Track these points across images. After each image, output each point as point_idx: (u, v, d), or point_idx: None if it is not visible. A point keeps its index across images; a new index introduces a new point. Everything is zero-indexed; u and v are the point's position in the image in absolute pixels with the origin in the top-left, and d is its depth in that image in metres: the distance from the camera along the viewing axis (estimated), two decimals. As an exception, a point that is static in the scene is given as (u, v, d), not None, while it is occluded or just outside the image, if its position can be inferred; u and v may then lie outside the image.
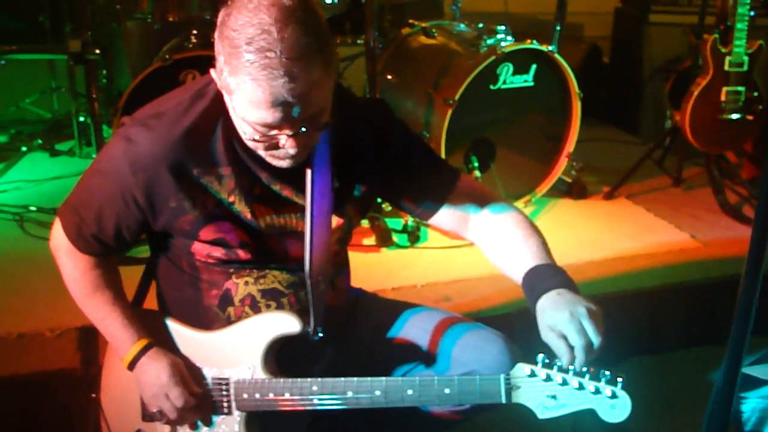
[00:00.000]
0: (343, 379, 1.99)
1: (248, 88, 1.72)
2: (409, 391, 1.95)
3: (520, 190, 4.43)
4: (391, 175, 2.15)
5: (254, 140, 1.84)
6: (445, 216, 2.18)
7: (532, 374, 1.87)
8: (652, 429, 3.15)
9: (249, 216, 2.02)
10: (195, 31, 4.09)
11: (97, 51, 3.95)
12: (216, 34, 1.79)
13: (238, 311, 2.12)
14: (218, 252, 2.05)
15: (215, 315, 2.13)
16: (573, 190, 4.64)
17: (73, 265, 2.12)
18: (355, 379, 1.98)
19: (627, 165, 4.77)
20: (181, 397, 2.07)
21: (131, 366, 2.11)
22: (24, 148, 5.09)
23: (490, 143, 4.31)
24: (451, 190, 2.17)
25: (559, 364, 1.85)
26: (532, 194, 4.46)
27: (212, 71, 1.84)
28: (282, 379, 2.05)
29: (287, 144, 1.83)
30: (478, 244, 2.19)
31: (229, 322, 2.12)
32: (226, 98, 1.85)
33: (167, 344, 2.15)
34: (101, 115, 4.37)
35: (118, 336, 2.13)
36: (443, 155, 4.07)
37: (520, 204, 4.39)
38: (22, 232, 4.00)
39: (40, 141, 5.19)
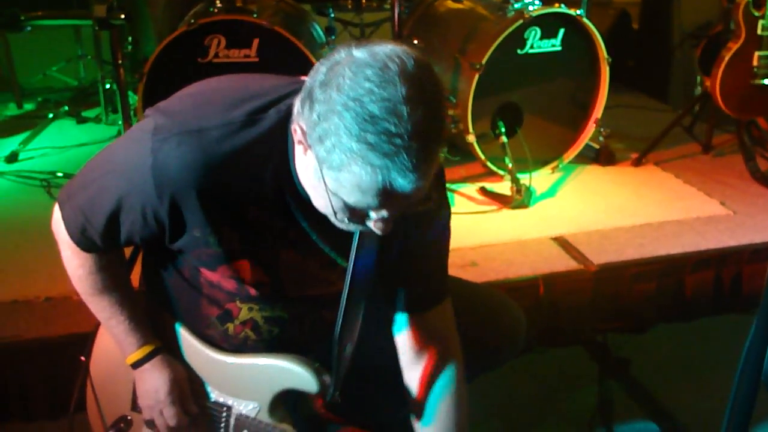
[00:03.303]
0: None
1: (362, 173, 1.47)
2: None
3: (547, 155, 4.40)
4: (404, 250, 1.94)
5: (342, 220, 1.64)
6: (400, 321, 2.02)
7: None
8: (680, 394, 3.15)
9: (273, 258, 1.85)
10: (220, -5, 4.08)
11: (122, 16, 3.93)
12: (316, 92, 1.51)
13: (238, 329, 1.96)
14: (229, 284, 1.89)
15: (212, 324, 1.98)
16: (601, 156, 4.60)
17: (77, 264, 1.93)
18: None
19: (655, 132, 4.71)
20: (175, 418, 1.99)
21: (134, 367, 2.00)
22: (51, 115, 5.11)
23: (518, 108, 4.27)
24: (427, 308, 2.00)
25: None
26: (560, 160, 4.43)
27: (295, 126, 1.58)
28: (287, 430, 1.98)
29: (378, 226, 1.62)
30: (409, 393, 2.05)
31: (226, 334, 1.97)
32: (311, 165, 1.58)
33: (175, 352, 2.04)
34: (127, 82, 4.37)
35: (123, 339, 1.99)
36: (470, 120, 4.05)
37: (547, 170, 4.39)
38: (49, 198, 4.04)
39: (66, 108, 5.23)
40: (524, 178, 4.07)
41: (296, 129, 1.57)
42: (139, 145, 1.70)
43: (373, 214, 1.59)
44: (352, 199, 1.54)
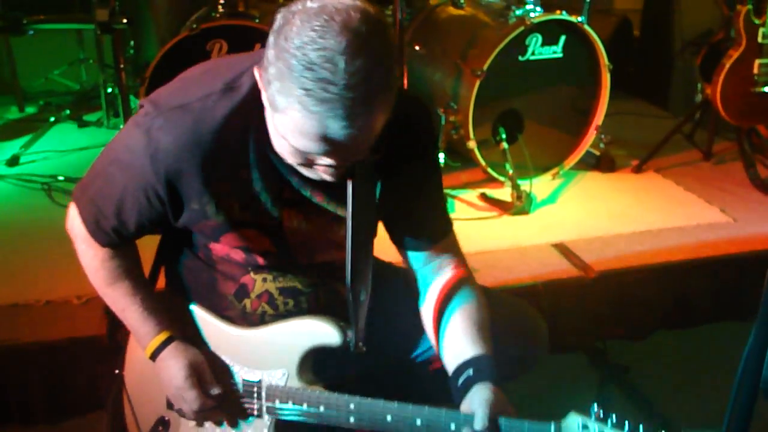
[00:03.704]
0: (382, 402, 1.84)
1: (299, 117, 1.54)
2: (453, 425, 1.81)
3: (547, 162, 4.41)
4: (400, 190, 1.99)
5: (291, 161, 1.71)
6: (415, 259, 2.07)
7: (585, 427, 1.73)
8: (678, 401, 3.14)
9: (276, 222, 1.91)
10: (222, 1, 4.08)
11: (125, 20, 3.94)
12: (270, 38, 1.59)
13: (255, 304, 2.03)
14: (238, 255, 1.97)
15: (230, 303, 2.05)
16: (601, 163, 4.60)
17: (92, 255, 2.00)
18: (396, 403, 1.83)
19: (656, 139, 4.71)
20: (198, 401, 1.99)
21: (152, 358, 2.03)
22: (52, 119, 5.12)
23: (518, 115, 4.28)
24: (437, 241, 2.06)
25: (614, 419, 1.71)
26: (560, 167, 4.43)
27: (256, 71, 1.66)
28: (318, 391, 1.95)
29: (328, 172, 1.69)
30: (424, 310, 2.08)
31: (244, 312, 2.04)
32: (267, 108, 1.67)
33: (194, 337, 2.06)
34: (128, 86, 4.39)
35: (138, 328, 2.03)
36: (471, 127, 4.06)
37: (547, 176, 4.38)
38: (50, 201, 4.06)
39: (68, 112, 5.24)
40: (525, 185, 4.08)
41: (257, 74, 1.66)
42: (134, 130, 1.81)
43: (320, 160, 1.65)
44: (297, 143, 1.61)
